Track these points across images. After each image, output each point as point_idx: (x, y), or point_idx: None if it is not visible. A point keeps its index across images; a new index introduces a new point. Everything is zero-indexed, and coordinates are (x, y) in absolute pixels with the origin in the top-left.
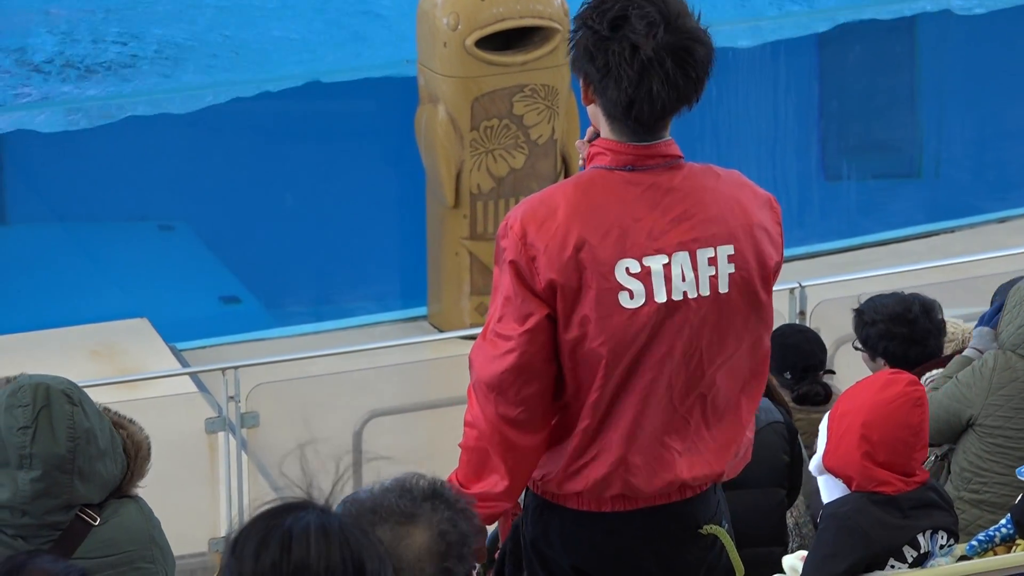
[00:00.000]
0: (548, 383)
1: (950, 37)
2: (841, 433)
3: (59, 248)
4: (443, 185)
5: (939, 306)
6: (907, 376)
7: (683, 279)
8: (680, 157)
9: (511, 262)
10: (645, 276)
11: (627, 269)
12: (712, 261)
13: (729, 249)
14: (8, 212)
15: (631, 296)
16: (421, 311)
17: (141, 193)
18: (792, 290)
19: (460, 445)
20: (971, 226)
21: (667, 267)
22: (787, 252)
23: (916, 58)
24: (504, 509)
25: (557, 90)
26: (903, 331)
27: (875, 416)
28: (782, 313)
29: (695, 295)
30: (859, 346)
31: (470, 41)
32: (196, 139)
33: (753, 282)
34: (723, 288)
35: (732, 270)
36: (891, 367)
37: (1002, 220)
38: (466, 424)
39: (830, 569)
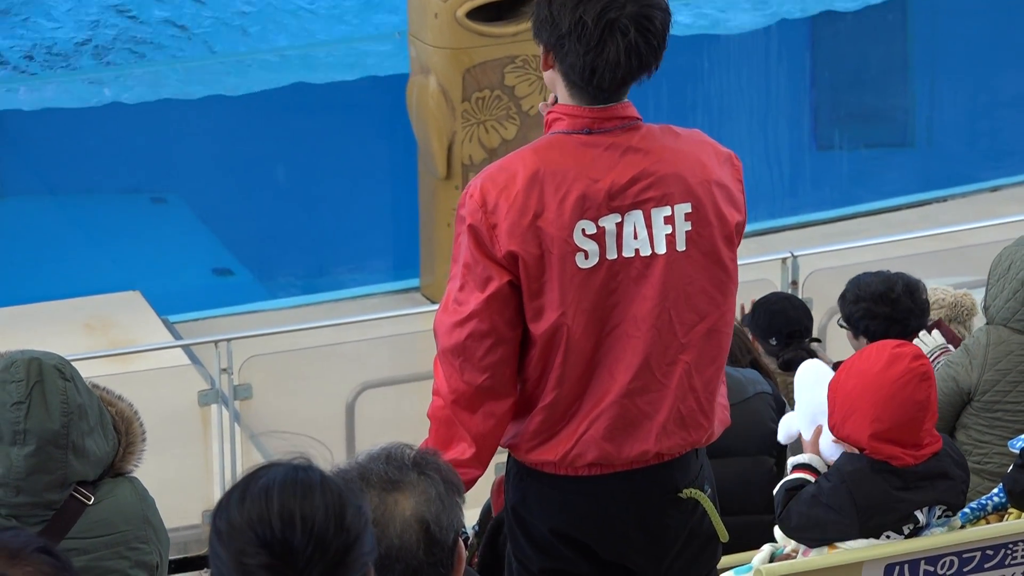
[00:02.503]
0: (513, 349)
1: (942, 6)
2: (847, 411)
3: (52, 221)
4: (435, 156)
5: (923, 286)
6: (911, 350)
7: (635, 237)
8: (638, 119)
9: (470, 226)
10: (600, 236)
11: (583, 231)
12: (669, 220)
13: (686, 207)
14: (2, 185)
15: (586, 256)
16: (413, 283)
17: (134, 166)
18: (784, 260)
19: (428, 414)
20: (964, 195)
21: (619, 226)
22: (780, 222)
23: (908, 27)
24: (474, 476)
25: None
26: (884, 311)
27: (883, 396)
28: (774, 282)
29: (648, 253)
30: (843, 324)
31: (461, 12)
32: (190, 112)
33: (714, 239)
34: (680, 246)
35: (689, 228)
36: None
37: (994, 189)
38: (433, 393)
39: (818, 514)
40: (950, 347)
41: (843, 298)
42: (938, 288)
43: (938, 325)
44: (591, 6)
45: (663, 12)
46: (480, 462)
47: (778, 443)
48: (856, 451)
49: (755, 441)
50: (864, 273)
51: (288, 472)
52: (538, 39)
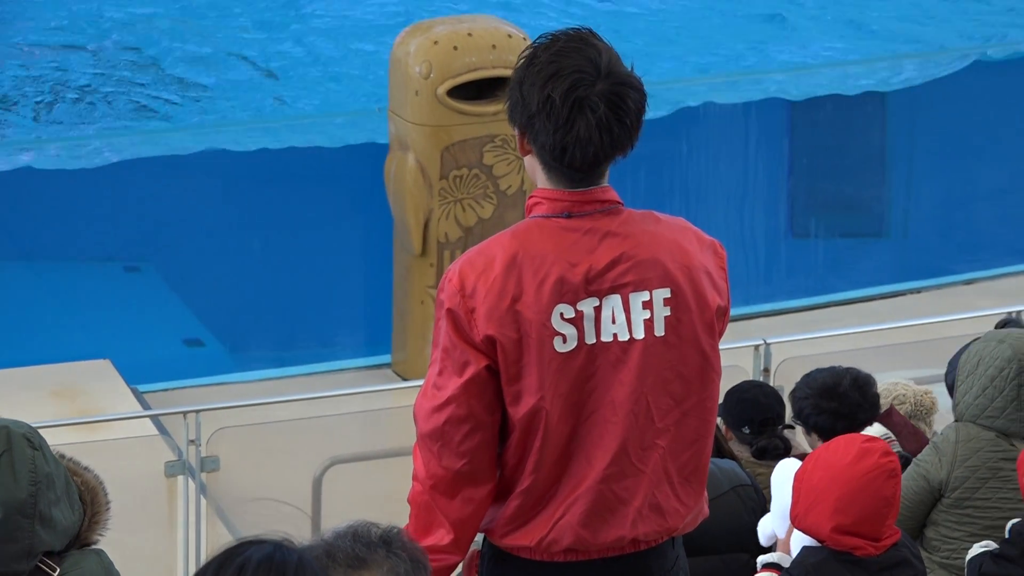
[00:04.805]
0: (492, 434)
1: (920, 98)
2: (812, 502)
3: (24, 287)
4: (411, 233)
5: (874, 380)
6: (881, 446)
7: (613, 322)
8: (618, 203)
9: (449, 311)
10: (578, 320)
11: (562, 315)
12: (647, 304)
13: (665, 292)
14: None
15: (564, 340)
16: (385, 359)
17: (107, 234)
18: (757, 347)
19: (408, 500)
20: (938, 287)
21: (598, 310)
22: (753, 309)
23: (886, 118)
24: (453, 562)
25: None
26: (831, 405)
27: (849, 490)
28: (746, 369)
29: (626, 337)
30: (795, 419)
31: (442, 90)
32: (162, 182)
33: (693, 325)
34: (659, 331)
35: (668, 313)
36: (822, 440)
37: (969, 282)
38: (413, 478)
39: None
40: (893, 438)
41: (794, 394)
42: (900, 383)
43: (891, 413)
44: (559, 83)
45: (637, 92)
46: (459, 548)
47: (758, 538)
48: (816, 543)
49: (727, 538)
50: (815, 369)
51: (265, 551)
52: (512, 122)
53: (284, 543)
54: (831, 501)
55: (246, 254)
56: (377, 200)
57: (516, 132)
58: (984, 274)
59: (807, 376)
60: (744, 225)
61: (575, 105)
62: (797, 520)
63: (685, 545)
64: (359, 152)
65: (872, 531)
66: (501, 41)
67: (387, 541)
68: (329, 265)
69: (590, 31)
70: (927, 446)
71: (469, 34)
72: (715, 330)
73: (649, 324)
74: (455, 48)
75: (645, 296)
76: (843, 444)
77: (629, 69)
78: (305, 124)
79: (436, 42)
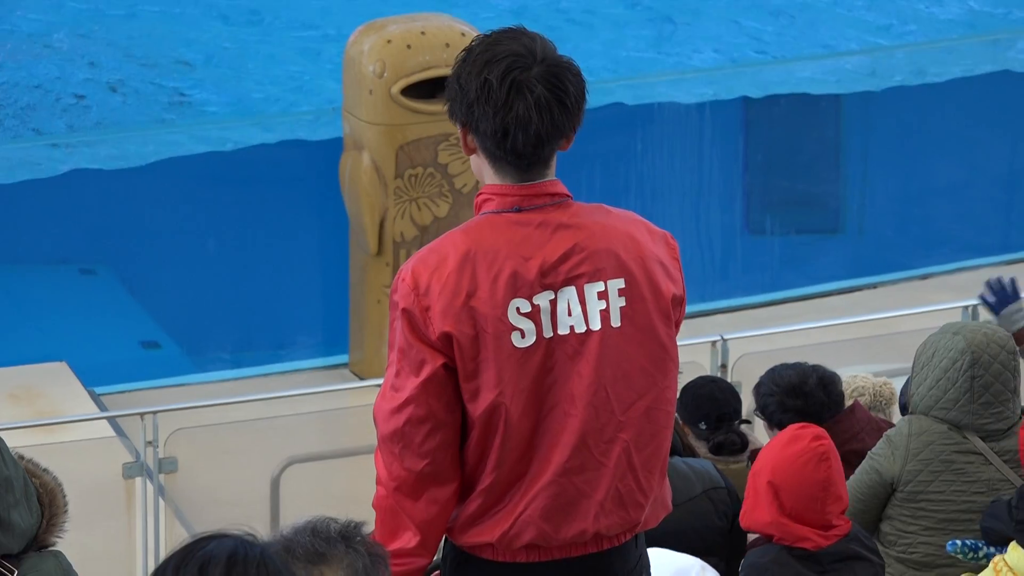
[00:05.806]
0: (453, 433)
1: (875, 97)
2: (755, 492)
3: None
4: (366, 233)
5: (839, 378)
6: (812, 431)
7: (569, 314)
8: (568, 196)
9: (404, 310)
10: (535, 314)
11: (518, 309)
12: (602, 295)
13: (619, 283)
14: None
15: (522, 335)
16: (342, 359)
17: (63, 237)
18: (714, 343)
19: (372, 505)
20: (893, 282)
21: (553, 303)
22: (710, 305)
23: (841, 115)
24: (422, 565)
25: None
26: (797, 404)
27: (780, 474)
28: (703, 365)
29: (583, 329)
30: (758, 414)
31: (396, 89)
32: (118, 185)
33: (649, 315)
34: (615, 322)
35: (623, 303)
36: None
37: (924, 277)
38: (376, 483)
39: None
40: None
41: (758, 389)
42: (858, 376)
43: (854, 409)
44: (496, 67)
45: (574, 75)
46: (426, 550)
47: (730, 541)
48: (764, 541)
49: (697, 541)
50: (780, 364)
51: (229, 546)
52: (454, 119)
53: (246, 537)
54: (766, 487)
55: (202, 256)
56: (333, 200)
57: (459, 129)
58: (939, 269)
59: (773, 372)
60: (700, 222)
61: (512, 86)
62: (744, 517)
63: (654, 548)
64: (315, 152)
65: (815, 517)
66: (455, 40)
67: (346, 536)
68: (285, 266)
69: (523, 28)
70: (881, 439)
71: (422, 33)
72: (671, 319)
73: (605, 315)
74: (408, 47)
75: (600, 287)
76: (779, 435)
77: (566, 58)
78: (261, 123)
79: (389, 41)
